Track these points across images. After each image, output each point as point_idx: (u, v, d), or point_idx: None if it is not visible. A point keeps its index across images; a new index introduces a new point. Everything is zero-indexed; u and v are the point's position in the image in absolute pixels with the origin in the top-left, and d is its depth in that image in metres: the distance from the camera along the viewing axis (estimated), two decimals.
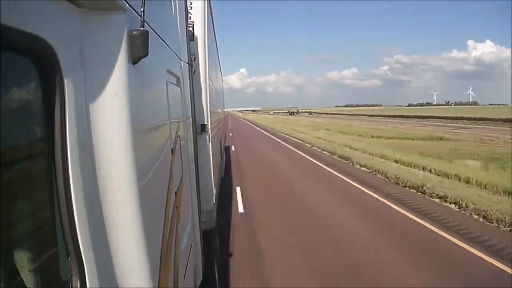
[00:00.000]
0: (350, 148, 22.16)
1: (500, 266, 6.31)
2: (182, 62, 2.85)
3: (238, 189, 11.95)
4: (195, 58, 3.86)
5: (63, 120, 1.02)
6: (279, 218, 9.05)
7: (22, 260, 0.97)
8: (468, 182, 11.82)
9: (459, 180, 12.15)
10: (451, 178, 12.52)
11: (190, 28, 3.76)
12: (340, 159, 18.88)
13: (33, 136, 1.03)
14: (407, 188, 11.93)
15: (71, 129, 1.04)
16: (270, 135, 38.32)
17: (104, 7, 1.19)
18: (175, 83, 2.49)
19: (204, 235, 3.51)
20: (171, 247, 1.91)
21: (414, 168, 14.66)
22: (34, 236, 1.05)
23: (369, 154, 19.15)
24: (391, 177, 13.31)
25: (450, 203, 10.00)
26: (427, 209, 9.63)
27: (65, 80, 1.02)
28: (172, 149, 2.12)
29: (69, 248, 1.04)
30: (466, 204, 9.58)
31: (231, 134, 33.14)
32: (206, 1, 4.56)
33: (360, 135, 33.63)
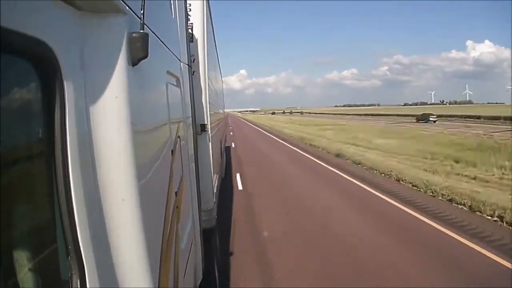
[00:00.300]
0: (288, 130, 43.69)
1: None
2: (181, 63, 2.86)
3: (231, 133, 32.08)
4: (194, 60, 3.86)
5: (63, 122, 1.02)
6: (242, 135, 37.57)
7: (22, 260, 0.97)
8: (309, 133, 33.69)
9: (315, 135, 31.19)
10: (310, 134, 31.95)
11: (189, 30, 3.78)
12: (278, 132, 40.54)
13: (33, 138, 1.03)
14: (297, 140, 29.10)
15: (71, 131, 1.04)
16: (251, 124, 68.83)
17: (104, 9, 1.20)
18: (175, 84, 2.50)
19: (204, 234, 3.52)
20: (171, 246, 1.92)
21: (311, 135, 32.43)
22: (34, 236, 1.05)
23: (295, 131, 40.02)
24: (295, 137, 31.58)
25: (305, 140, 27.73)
26: (297, 144, 27.25)
27: (65, 83, 1.02)
28: (172, 150, 2.13)
29: (69, 247, 1.04)
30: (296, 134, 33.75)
31: (229, 123, 51.11)
32: (205, 3, 4.57)
33: (308, 125, 55.16)
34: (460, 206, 9.35)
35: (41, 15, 0.93)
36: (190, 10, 4.02)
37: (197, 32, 4.20)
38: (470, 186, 10.87)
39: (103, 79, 1.20)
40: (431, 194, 10.63)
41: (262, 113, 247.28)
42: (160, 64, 2.00)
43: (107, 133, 1.20)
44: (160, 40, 1.92)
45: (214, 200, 4.72)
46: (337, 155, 18.94)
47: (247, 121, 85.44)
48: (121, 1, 1.24)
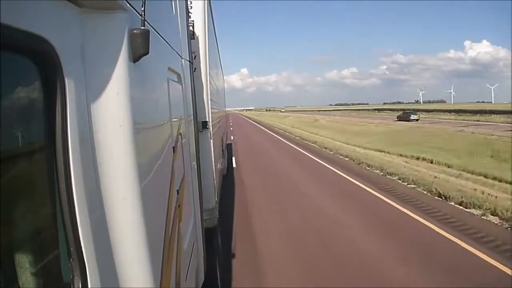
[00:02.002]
0: (253, 116, 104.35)
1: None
2: (183, 60, 2.84)
3: (231, 122, 48.26)
4: (195, 56, 3.87)
5: (64, 119, 1.02)
6: (233, 118, 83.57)
7: (24, 261, 0.96)
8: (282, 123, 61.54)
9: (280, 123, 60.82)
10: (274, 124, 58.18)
11: (191, 27, 3.78)
12: (247, 117, 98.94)
13: (34, 136, 1.03)
14: (266, 125, 56.21)
15: (72, 128, 1.04)
16: (242, 116, 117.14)
17: (105, 6, 1.19)
18: (176, 80, 2.48)
19: (206, 234, 3.48)
20: (173, 246, 1.90)
21: (272, 121, 68.36)
22: (36, 237, 1.04)
23: (254, 116, 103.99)
24: (265, 123, 62.71)
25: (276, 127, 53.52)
26: (248, 117, 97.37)
27: (66, 79, 1.01)
28: (173, 147, 2.11)
29: (71, 249, 1.03)
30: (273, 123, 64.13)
31: (230, 119, 69.33)
32: (206, 1, 4.56)
33: (268, 115, 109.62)
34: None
35: (42, 12, 0.93)
36: (191, 7, 4.04)
37: (198, 29, 4.20)
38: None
39: (104, 76, 1.19)
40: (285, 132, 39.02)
41: (248, 109, 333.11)
42: (161, 60, 1.99)
43: (108, 129, 1.19)
44: (161, 37, 1.90)
45: (216, 199, 4.68)
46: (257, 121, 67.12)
47: (239, 114, 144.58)
48: None
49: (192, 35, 3.79)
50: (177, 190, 2.16)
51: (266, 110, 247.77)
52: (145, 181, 1.34)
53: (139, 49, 1.29)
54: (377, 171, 14.02)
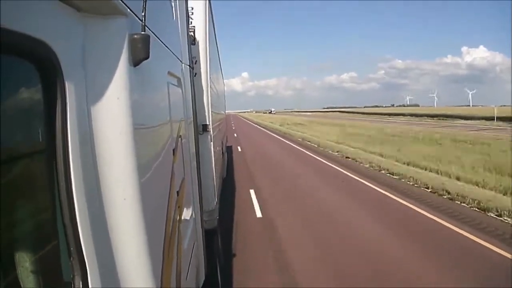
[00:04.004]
0: (246, 116, 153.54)
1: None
2: (183, 64, 2.86)
3: (232, 122, 67.81)
4: (196, 61, 3.91)
5: (65, 123, 1.03)
6: (232, 117, 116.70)
7: (24, 261, 0.97)
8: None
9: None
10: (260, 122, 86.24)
11: (191, 33, 3.83)
12: (242, 116, 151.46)
13: (35, 139, 1.04)
14: (252, 120, 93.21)
15: (72, 132, 1.05)
16: (238, 115, 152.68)
17: (106, 11, 1.20)
18: (176, 84, 2.50)
19: (206, 235, 3.51)
20: (173, 246, 1.91)
21: (256, 117, 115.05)
22: (37, 237, 1.05)
23: (255, 118, 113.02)
24: (251, 119, 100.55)
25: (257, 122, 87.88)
26: (240, 116, 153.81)
27: (66, 84, 1.02)
28: (173, 149, 2.12)
29: (71, 248, 1.04)
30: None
31: (232, 121, 79.49)
32: (207, 7, 4.63)
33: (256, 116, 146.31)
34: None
35: (43, 17, 0.94)
36: (192, 13, 4.08)
37: (199, 35, 4.26)
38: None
39: (105, 80, 1.20)
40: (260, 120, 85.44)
41: (247, 111, 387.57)
42: (161, 64, 2.01)
43: (109, 133, 1.20)
44: (161, 42, 1.92)
45: (216, 200, 4.70)
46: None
47: (236, 114, 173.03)
48: (123, 4, 1.24)
49: (193, 41, 3.84)
50: (177, 192, 2.17)
51: (256, 112, 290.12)
52: (145, 182, 1.35)
53: (139, 53, 1.30)
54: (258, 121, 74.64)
